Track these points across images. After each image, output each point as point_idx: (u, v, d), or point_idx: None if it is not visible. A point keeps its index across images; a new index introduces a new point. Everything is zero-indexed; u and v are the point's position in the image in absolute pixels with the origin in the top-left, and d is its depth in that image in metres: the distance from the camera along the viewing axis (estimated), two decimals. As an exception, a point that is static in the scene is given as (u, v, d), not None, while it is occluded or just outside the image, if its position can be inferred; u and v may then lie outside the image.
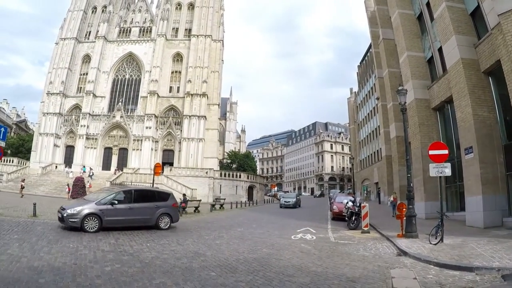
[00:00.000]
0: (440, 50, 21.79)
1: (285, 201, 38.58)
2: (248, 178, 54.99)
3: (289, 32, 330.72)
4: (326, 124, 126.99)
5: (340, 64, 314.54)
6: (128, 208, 14.53)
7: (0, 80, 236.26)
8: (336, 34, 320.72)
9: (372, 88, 58.37)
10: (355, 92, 79.05)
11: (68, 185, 39.57)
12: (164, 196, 16.23)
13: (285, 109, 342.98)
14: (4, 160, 52.19)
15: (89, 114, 59.65)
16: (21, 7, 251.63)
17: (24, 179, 40.63)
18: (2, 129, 22.76)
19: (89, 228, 13.32)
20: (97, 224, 13.51)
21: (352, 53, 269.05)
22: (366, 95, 64.04)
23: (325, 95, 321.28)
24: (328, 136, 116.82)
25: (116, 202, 14.36)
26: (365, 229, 16.54)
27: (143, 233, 14.40)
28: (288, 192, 74.21)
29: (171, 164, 55.32)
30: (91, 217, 13.51)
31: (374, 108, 56.31)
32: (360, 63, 71.75)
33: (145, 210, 15.03)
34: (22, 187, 35.00)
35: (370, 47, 55.83)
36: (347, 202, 20.24)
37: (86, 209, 13.64)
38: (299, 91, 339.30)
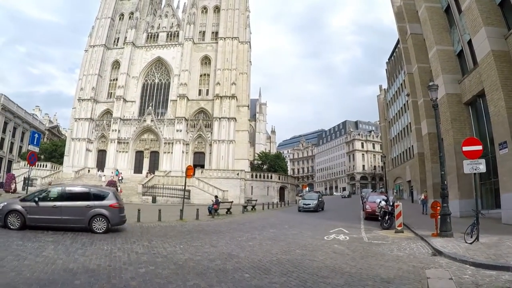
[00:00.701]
0: (469, 43, 21.29)
1: (304, 204, 32.60)
2: (279, 179, 54.79)
3: (315, 31, 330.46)
4: (356, 123, 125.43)
5: (368, 61, 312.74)
6: (53, 206, 13.43)
7: (32, 88, 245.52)
8: (362, 31, 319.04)
9: (401, 84, 57.68)
10: (384, 89, 78.26)
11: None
12: (100, 195, 14.46)
13: (314, 108, 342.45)
14: (38, 165, 53.66)
15: (120, 118, 60.54)
16: (48, 17, 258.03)
17: (51, 183, 41.18)
18: (36, 135, 23.45)
19: (12, 225, 12.90)
20: (20, 221, 12.97)
21: (380, 50, 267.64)
22: (396, 91, 63.35)
23: (353, 93, 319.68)
24: (359, 134, 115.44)
25: (37, 199, 13.43)
26: (399, 228, 16.33)
27: (176, 236, 14.52)
28: (317, 192, 72.51)
29: (202, 166, 55.72)
30: (14, 214, 13.04)
31: (404, 104, 55.60)
32: (389, 59, 70.93)
33: (74, 210, 13.63)
34: None
35: (398, 42, 55.10)
36: (380, 202, 19.98)
37: (10, 205, 13.28)
38: (328, 90, 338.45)
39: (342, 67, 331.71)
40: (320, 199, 34.79)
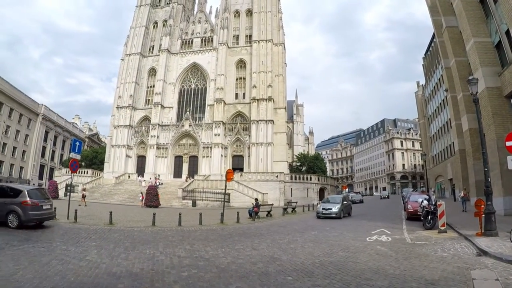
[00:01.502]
0: (507, 33, 20.67)
1: (323, 209, 26.07)
2: (318, 180, 54.71)
3: (347, 30, 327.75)
4: (394, 121, 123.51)
5: (403, 57, 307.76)
6: None
7: (71, 98, 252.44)
8: (395, 27, 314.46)
9: (439, 79, 56.86)
10: (422, 85, 77.23)
11: (141, 193, 41.28)
12: (15, 192, 15.04)
13: (351, 108, 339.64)
14: (79, 172, 55.25)
15: (158, 124, 61.68)
16: (83, 28, 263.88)
17: (85, 189, 42.22)
18: (78, 143, 24.23)
19: None
20: None
21: (415, 46, 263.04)
22: (434, 87, 62.41)
23: (390, 91, 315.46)
24: (398, 133, 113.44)
25: None
26: (442, 228, 16.06)
27: (217, 239, 14.69)
28: (358, 193, 71.21)
29: (241, 169, 56.11)
30: None
31: (443, 100, 54.69)
32: (425, 54, 69.86)
33: None
34: (84, 196, 35.85)
35: (433, 37, 54.44)
36: (422, 201, 19.69)
37: None
38: (364, 89, 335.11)
39: (377, 64, 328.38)
40: (345, 203, 27.87)
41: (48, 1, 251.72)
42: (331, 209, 25.78)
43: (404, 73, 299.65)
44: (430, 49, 63.86)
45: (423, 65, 72.51)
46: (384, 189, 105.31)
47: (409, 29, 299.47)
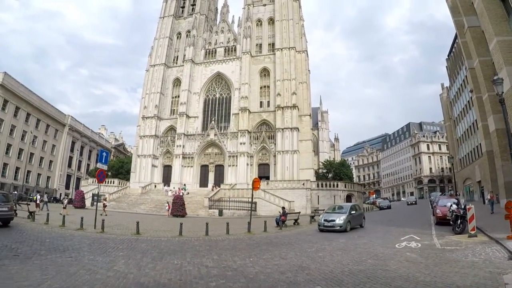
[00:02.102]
0: None
1: (325, 220, 21.59)
2: (345, 187, 53.82)
3: (369, 35, 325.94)
4: (420, 124, 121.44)
5: (426, 60, 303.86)
6: None
7: (97, 108, 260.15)
8: (417, 29, 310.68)
9: (464, 80, 55.63)
10: (446, 87, 75.85)
11: (167, 203, 41.19)
12: None
13: (376, 112, 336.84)
14: (106, 181, 55.78)
15: (184, 134, 62.15)
16: (107, 40, 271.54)
17: (106, 198, 42.46)
18: (104, 154, 24.40)
19: None
20: None
21: (437, 47, 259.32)
22: (459, 88, 61.08)
23: (415, 94, 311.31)
24: (424, 136, 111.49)
25: None
26: (472, 232, 15.63)
27: (245, 248, 14.49)
28: (385, 198, 69.97)
29: (267, 177, 55.83)
30: None
31: (469, 101, 53.54)
32: (448, 56, 68.42)
33: None
34: (105, 206, 35.54)
35: (456, 37, 53.23)
36: (451, 205, 19.33)
37: None
38: (388, 93, 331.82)
39: (400, 68, 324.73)
40: (353, 212, 22.98)
41: (74, 15, 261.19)
42: (334, 220, 21.15)
43: (427, 75, 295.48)
44: (453, 50, 62.57)
45: (446, 66, 71.27)
46: (412, 194, 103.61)
47: (431, 31, 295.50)
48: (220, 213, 42.06)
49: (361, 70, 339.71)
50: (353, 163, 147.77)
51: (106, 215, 32.43)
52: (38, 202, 32.65)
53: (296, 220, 27.89)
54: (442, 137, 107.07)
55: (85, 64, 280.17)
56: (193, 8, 73.19)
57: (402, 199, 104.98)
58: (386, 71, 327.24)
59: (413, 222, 26.37)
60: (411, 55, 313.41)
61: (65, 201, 36.02)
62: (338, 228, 20.74)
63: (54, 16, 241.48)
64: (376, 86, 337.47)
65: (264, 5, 68.12)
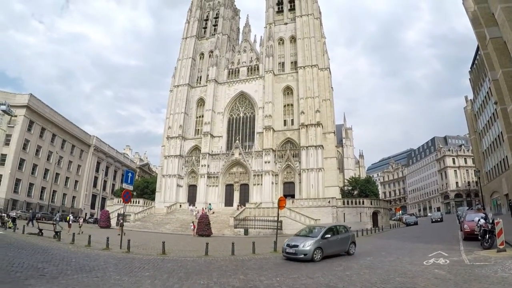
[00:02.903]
0: None
1: (287, 246, 17.32)
2: (371, 203, 52.78)
3: (390, 50, 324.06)
4: (445, 138, 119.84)
5: (449, 73, 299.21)
6: None
7: (122, 129, 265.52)
8: (438, 43, 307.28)
9: (488, 92, 54.46)
10: (470, 99, 74.32)
11: (193, 222, 41.11)
12: None
13: (400, 128, 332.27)
14: (131, 201, 56.10)
15: (208, 154, 62.42)
16: (132, 62, 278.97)
17: (123, 218, 42.48)
18: (130, 174, 24.35)
19: None
20: None
21: (459, 60, 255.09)
22: (483, 101, 59.81)
23: (438, 108, 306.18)
24: (449, 150, 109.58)
25: None
26: (501, 247, 15.18)
27: (271, 268, 14.23)
28: (412, 214, 68.01)
29: (293, 196, 55.38)
30: None
31: (493, 113, 52.34)
32: (471, 68, 67.23)
33: None
34: (122, 225, 35.93)
35: (478, 49, 52.21)
36: (479, 220, 18.81)
37: None
38: (412, 108, 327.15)
39: (423, 82, 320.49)
40: (328, 236, 17.71)
41: (99, 37, 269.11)
42: (297, 246, 16.73)
43: (451, 88, 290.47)
44: (476, 62, 61.55)
45: (469, 79, 70.05)
46: (438, 209, 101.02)
47: (452, 44, 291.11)
48: (246, 232, 41.78)
49: (384, 86, 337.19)
50: (379, 179, 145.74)
51: (124, 234, 32.19)
52: (70, 222, 33.08)
53: (322, 239, 27.18)
54: (468, 150, 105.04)
55: (110, 85, 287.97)
56: (215, 29, 74.57)
57: (429, 214, 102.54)
58: (409, 86, 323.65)
59: (440, 238, 26.13)
60: (434, 69, 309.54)
61: (81, 220, 36.82)
62: (302, 256, 16.43)
63: (79, 39, 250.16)
64: (400, 101, 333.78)
65: (286, 23, 68.78)
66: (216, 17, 76.02)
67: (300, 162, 57.10)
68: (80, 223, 34.82)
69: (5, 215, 35.14)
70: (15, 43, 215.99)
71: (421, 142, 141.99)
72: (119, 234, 27.92)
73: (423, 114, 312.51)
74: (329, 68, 66.43)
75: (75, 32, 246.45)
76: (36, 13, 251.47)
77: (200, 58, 73.35)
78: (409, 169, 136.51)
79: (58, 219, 40.00)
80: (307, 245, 16.62)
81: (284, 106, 63.36)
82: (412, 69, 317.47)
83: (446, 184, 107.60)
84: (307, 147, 56.60)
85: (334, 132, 62.85)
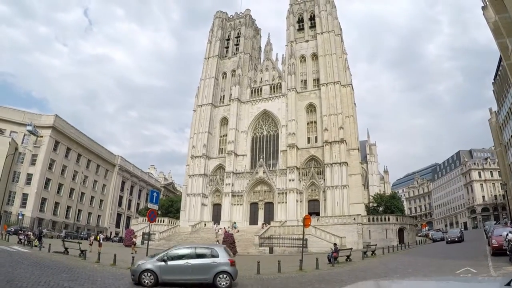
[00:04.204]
0: None
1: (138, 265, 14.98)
2: (397, 220, 51.91)
3: (412, 64, 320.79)
4: (470, 151, 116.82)
5: (471, 85, 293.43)
6: None
7: (146, 148, 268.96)
8: (459, 55, 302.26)
9: (512, 103, 53.49)
10: (495, 111, 72.88)
11: (217, 241, 41.36)
12: None
13: (425, 142, 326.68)
14: (156, 220, 56.82)
15: (233, 172, 62.73)
16: (154, 82, 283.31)
17: (136, 236, 43.12)
18: (155, 194, 24.82)
19: None
20: None
21: (482, 71, 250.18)
22: (508, 112, 58.49)
23: (462, 121, 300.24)
24: (475, 163, 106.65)
25: None
26: None
27: (297, 287, 14.43)
28: (438, 230, 66.69)
29: (317, 213, 54.85)
30: None
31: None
32: (494, 79, 65.82)
33: None
34: (134, 244, 36.46)
35: (500, 60, 51.39)
36: (507, 234, 18.54)
37: None
38: (435, 121, 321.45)
39: (445, 95, 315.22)
40: (179, 261, 14.91)
41: (123, 58, 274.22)
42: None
43: (474, 101, 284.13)
44: (499, 73, 60.30)
45: (493, 90, 68.65)
46: (465, 224, 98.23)
47: (474, 55, 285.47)
48: (271, 251, 41.73)
49: (406, 100, 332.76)
50: (404, 195, 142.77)
51: (136, 253, 29.93)
52: (101, 241, 33.75)
53: (348, 256, 27.39)
54: (494, 163, 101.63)
55: (134, 105, 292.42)
56: (237, 48, 75.65)
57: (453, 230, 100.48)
58: (431, 99, 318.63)
59: (468, 253, 25.50)
60: (456, 81, 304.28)
61: (92, 237, 37.48)
62: (132, 277, 14.58)
63: (103, 60, 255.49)
64: (423, 116, 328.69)
65: (307, 41, 69.27)
66: (238, 37, 77.26)
67: (324, 179, 56.78)
68: (91, 241, 33.67)
69: (31, 233, 35.99)
70: (40, 65, 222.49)
71: (446, 156, 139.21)
72: (132, 253, 27.83)
73: (447, 128, 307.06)
74: (351, 84, 66.34)
75: (99, 54, 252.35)
76: (60, 36, 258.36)
77: (223, 77, 74.44)
78: (435, 184, 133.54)
79: (63, 235, 40.94)
80: (139, 264, 14.61)
81: (308, 123, 63.48)
82: (434, 82, 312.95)
83: (473, 198, 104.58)
84: (331, 164, 56.30)
85: (358, 149, 62.44)
